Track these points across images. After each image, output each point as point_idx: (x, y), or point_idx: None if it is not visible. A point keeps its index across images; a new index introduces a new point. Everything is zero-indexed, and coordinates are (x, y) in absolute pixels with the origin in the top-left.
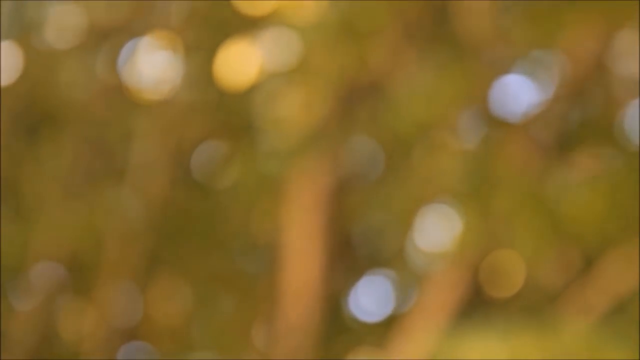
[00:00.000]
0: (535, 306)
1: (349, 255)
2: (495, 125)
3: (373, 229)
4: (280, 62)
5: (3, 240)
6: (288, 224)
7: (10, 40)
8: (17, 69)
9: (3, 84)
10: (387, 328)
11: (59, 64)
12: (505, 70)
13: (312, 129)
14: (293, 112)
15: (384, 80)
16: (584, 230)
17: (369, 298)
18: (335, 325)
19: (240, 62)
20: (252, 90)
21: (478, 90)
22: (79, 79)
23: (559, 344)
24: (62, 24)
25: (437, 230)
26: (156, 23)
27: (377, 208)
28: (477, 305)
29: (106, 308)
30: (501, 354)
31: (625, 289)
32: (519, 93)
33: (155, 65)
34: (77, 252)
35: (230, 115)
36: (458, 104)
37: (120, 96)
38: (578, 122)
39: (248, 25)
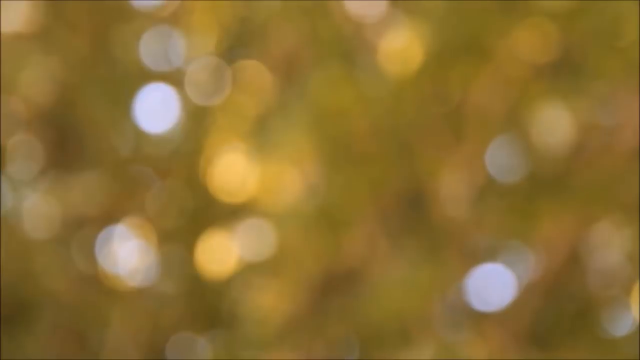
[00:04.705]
0: None
1: None
2: (471, 315)
3: None
4: (256, 251)
5: None
6: None
7: None
8: None
9: None
10: None
11: (35, 254)
12: (481, 259)
13: (287, 318)
14: (269, 302)
15: (360, 269)
16: None
17: None
18: None
19: (217, 251)
20: (228, 280)
21: (454, 279)
22: (54, 268)
23: None
24: (38, 214)
25: None
26: (132, 211)
27: None
28: None
29: None
30: None
31: None
32: (495, 283)
33: (130, 253)
34: None
35: (206, 304)
36: (434, 293)
37: (95, 284)
38: (554, 313)
39: (224, 214)
